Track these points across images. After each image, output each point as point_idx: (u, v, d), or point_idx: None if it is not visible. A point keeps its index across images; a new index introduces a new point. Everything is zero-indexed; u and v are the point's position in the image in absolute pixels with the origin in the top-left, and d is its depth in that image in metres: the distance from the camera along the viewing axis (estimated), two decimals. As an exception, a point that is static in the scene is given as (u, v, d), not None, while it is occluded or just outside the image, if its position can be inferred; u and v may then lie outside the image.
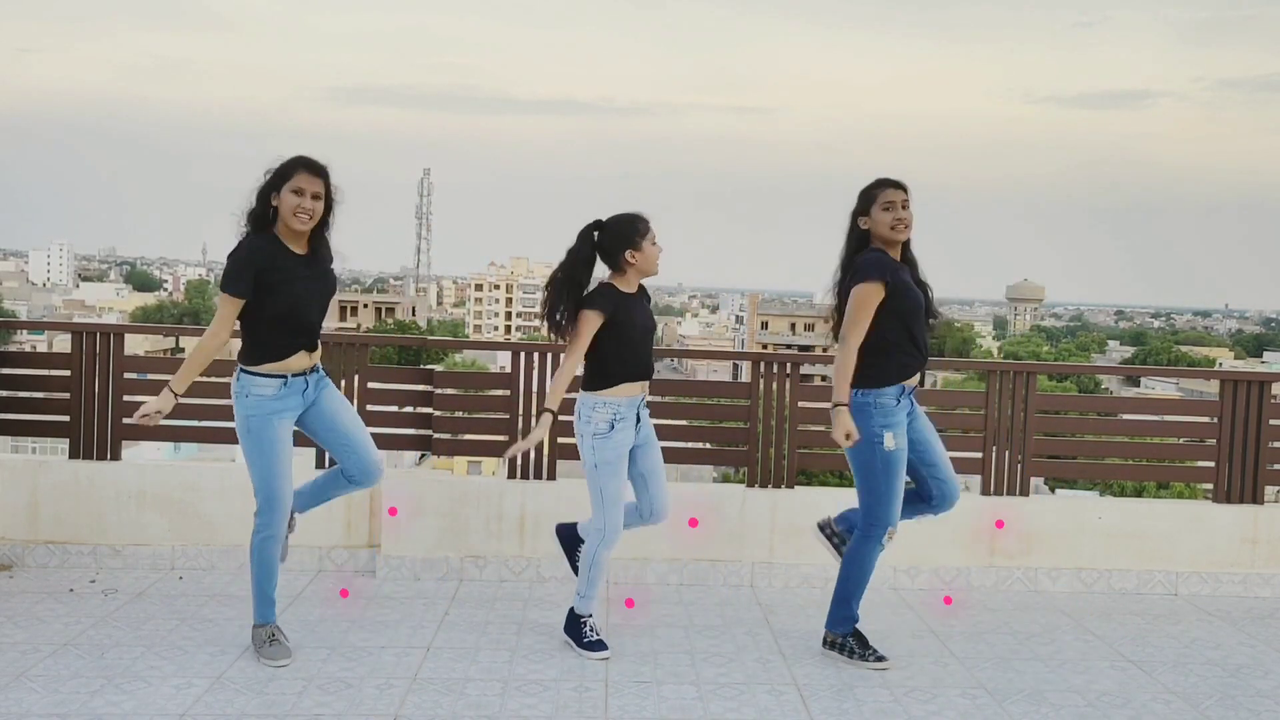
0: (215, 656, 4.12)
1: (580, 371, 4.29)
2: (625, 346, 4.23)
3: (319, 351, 4.17)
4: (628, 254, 4.23)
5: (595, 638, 4.32)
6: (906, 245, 4.31)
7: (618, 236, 4.24)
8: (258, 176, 3.98)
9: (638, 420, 4.32)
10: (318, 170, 3.95)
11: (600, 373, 4.24)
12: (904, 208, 4.19)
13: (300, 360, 4.04)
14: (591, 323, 4.17)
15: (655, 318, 4.49)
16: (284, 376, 4.02)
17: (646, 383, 4.35)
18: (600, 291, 4.24)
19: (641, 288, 4.39)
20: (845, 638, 4.33)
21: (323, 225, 4.05)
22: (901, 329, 4.18)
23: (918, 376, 4.29)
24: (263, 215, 3.96)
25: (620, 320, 4.20)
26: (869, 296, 4.11)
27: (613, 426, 4.21)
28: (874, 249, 4.21)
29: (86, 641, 4.26)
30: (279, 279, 3.93)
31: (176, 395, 3.96)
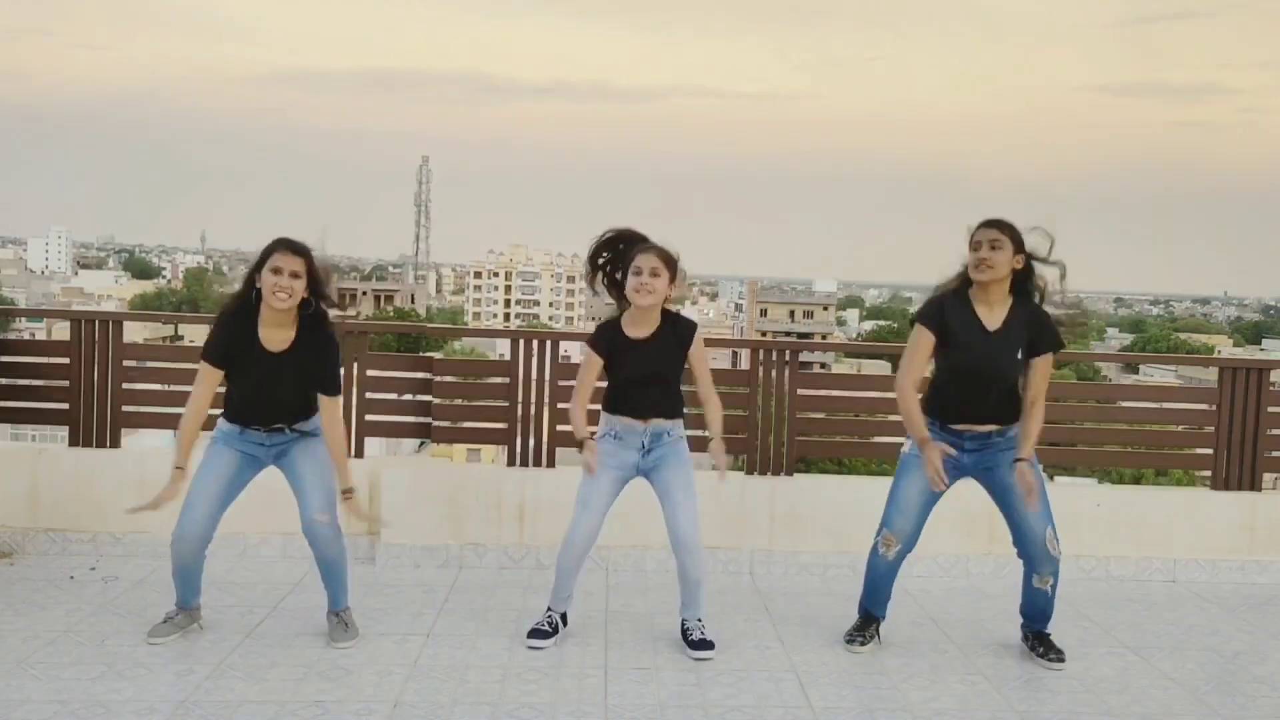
0: (216, 643, 4.14)
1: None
2: (616, 388, 4.23)
3: (304, 421, 4.16)
4: (627, 286, 4.13)
5: (536, 626, 4.32)
6: (1023, 291, 4.12)
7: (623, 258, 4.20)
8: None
9: (646, 449, 4.22)
10: (296, 249, 3.99)
11: (606, 395, 4.28)
12: (993, 248, 4.02)
13: (256, 428, 4.12)
14: (588, 362, 4.23)
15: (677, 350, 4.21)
16: (238, 426, 4.13)
17: (654, 419, 4.21)
18: (600, 331, 4.25)
19: (664, 323, 4.17)
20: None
21: (312, 303, 4.06)
22: (947, 375, 4.17)
23: (976, 426, 4.14)
24: (247, 297, 4.03)
25: (612, 366, 4.21)
26: (914, 338, 4.17)
27: (604, 437, 4.25)
28: (953, 288, 4.17)
29: (87, 629, 4.27)
30: (244, 365, 4.04)
31: (185, 471, 4.07)
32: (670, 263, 4.12)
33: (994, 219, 4.07)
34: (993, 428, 4.16)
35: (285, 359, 4.03)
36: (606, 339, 4.20)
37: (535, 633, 4.31)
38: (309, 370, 4.07)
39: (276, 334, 4.03)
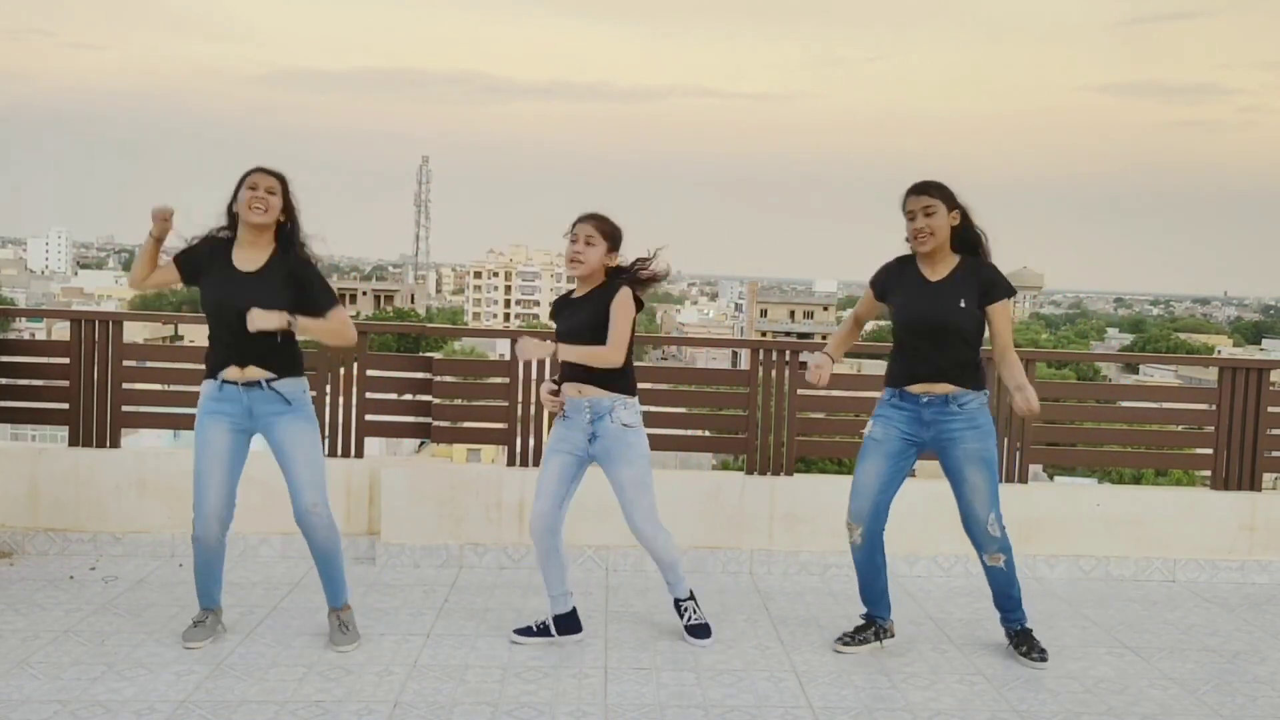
0: (215, 643, 4.14)
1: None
2: None
3: (281, 379, 4.05)
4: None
5: (529, 624, 4.37)
6: (966, 245, 4.11)
7: None
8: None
9: (591, 432, 4.18)
10: (271, 171, 4.04)
11: None
12: (927, 214, 4.02)
13: (231, 371, 4.03)
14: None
15: (609, 313, 4.09)
16: (216, 381, 4.06)
17: (580, 386, 4.15)
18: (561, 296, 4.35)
19: (600, 286, 4.18)
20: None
21: (289, 233, 4.05)
22: (898, 334, 4.22)
23: (932, 386, 4.12)
24: (229, 224, 4.06)
25: (557, 325, 4.28)
26: (862, 298, 4.40)
27: (557, 420, 4.29)
28: (904, 255, 4.22)
29: (87, 629, 4.27)
30: (210, 280, 4.02)
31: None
32: (608, 234, 4.16)
33: (920, 183, 4.09)
34: (948, 389, 4.12)
35: (256, 278, 3.98)
36: (558, 301, 4.30)
37: (522, 629, 4.34)
38: (277, 295, 3.96)
39: (250, 254, 4.01)
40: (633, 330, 4.16)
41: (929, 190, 4.06)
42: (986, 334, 4.18)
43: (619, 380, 4.16)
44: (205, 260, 4.05)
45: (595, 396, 4.15)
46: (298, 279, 4.03)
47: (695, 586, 5.16)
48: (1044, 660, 4.23)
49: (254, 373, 4.02)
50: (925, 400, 4.15)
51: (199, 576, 4.19)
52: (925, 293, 4.11)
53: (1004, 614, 4.40)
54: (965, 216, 4.12)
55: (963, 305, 4.07)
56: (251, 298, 3.91)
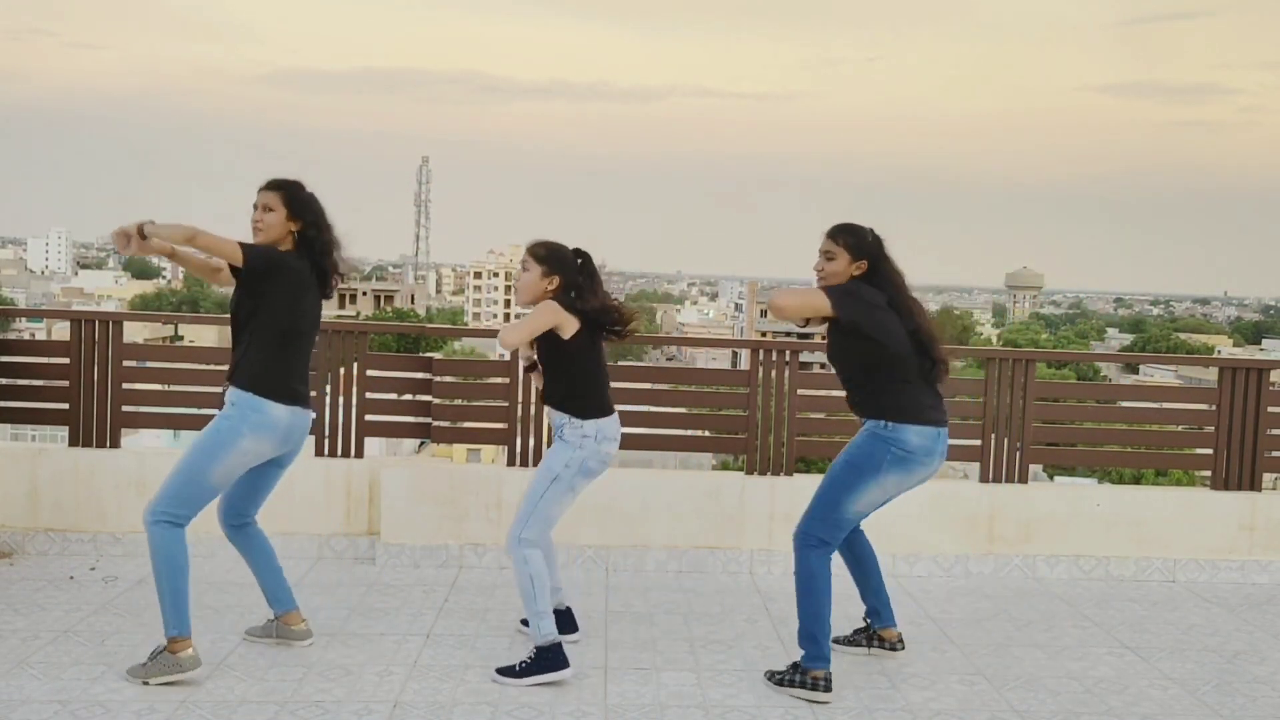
0: (215, 643, 4.13)
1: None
2: None
3: (232, 387, 3.91)
4: None
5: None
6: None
7: None
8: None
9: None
10: (269, 184, 3.97)
11: None
12: (827, 259, 3.93)
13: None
14: None
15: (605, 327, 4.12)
16: None
17: (547, 406, 4.16)
18: None
19: None
20: None
21: (310, 239, 3.97)
22: None
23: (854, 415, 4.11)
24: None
25: None
26: None
27: None
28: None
29: (87, 629, 4.27)
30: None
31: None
32: (542, 258, 4.09)
33: (836, 226, 3.96)
34: (860, 419, 4.05)
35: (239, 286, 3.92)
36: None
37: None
38: (236, 304, 3.92)
39: None
40: (578, 354, 4.05)
41: (836, 235, 3.95)
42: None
43: (568, 402, 4.07)
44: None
45: (552, 413, 4.14)
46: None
47: (695, 587, 5.17)
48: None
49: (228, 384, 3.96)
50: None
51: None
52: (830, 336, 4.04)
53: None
54: (877, 269, 3.93)
55: (837, 338, 3.98)
56: (238, 303, 3.92)
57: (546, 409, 4.19)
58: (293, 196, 3.95)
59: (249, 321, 3.89)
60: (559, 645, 3.91)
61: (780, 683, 3.91)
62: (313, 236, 3.97)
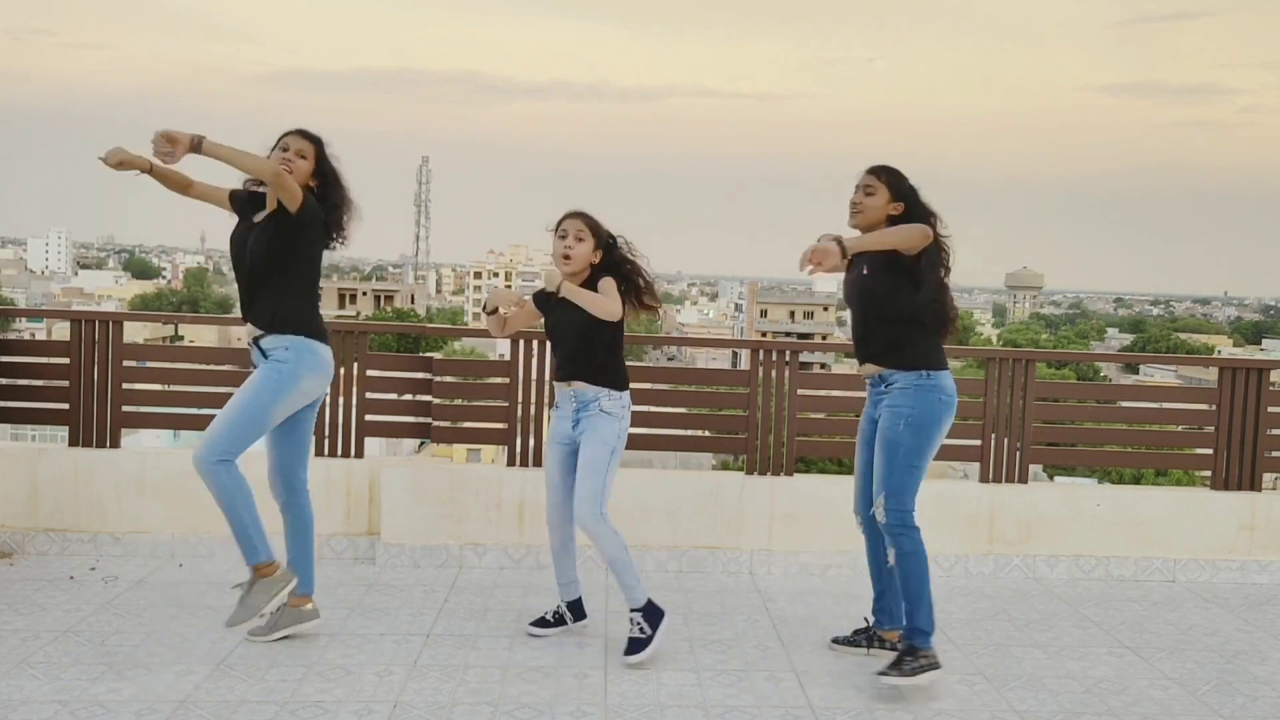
0: (215, 644, 4.13)
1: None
2: (551, 349, 4.39)
3: (262, 333, 4.02)
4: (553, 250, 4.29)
5: (541, 615, 4.46)
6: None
7: None
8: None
9: (575, 420, 4.23)
10: (305, 134, 4.09)
11: None
12: (867, 194, 3.97)
13: (245, 329, 4.11)
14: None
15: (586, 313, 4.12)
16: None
17: (575, 382, 4.20)
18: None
19: (585, 283, 4.19)
20: None
21: (319, 198, 4.05)
22: None
23: (870, 367, 4.10)
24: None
25: (546, 321, 4.37)
26: None
27: (553, 410, 4.40)
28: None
29: (87, 629, 4.27)
30: (240, 219, 4.11)
31: (151, 164, 3.88)
32: (595, 230, 4.20)
33: (877, 165, 4.02)
34: (875, 369, 4.08)
35: (259, 226, 3.99)
36: (543, 293, 4.32)
37: (537, 621, 4.41)
38: (248, 249, 3.98)
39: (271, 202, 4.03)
40: (619, 328, 4.20)
41: (878, 172, 4.00)
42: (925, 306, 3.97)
43: (608, 375, 4.19)
44: (242, 204, 4.12)
45: (581, 389, 4.20)
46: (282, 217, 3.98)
47: (695, 586, 5.17)
48: (888, 677, 3.84)
49: (250, 329, 4.08)
50: (870, 381, 4.19)
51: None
52: (849, 275, 4.10)
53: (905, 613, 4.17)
54: (913, 211, 3.96)
55: (865, 272, 3.99)
56: (248, 235, 4.01)
57: (571, 386, 4.22)
58: (322, 153, 4.11)
59: (278, 265, 3.99)
60: (652, 602, 4.19)
61: (911, 672, 3.85)
62: (330, 193, 4.10)
